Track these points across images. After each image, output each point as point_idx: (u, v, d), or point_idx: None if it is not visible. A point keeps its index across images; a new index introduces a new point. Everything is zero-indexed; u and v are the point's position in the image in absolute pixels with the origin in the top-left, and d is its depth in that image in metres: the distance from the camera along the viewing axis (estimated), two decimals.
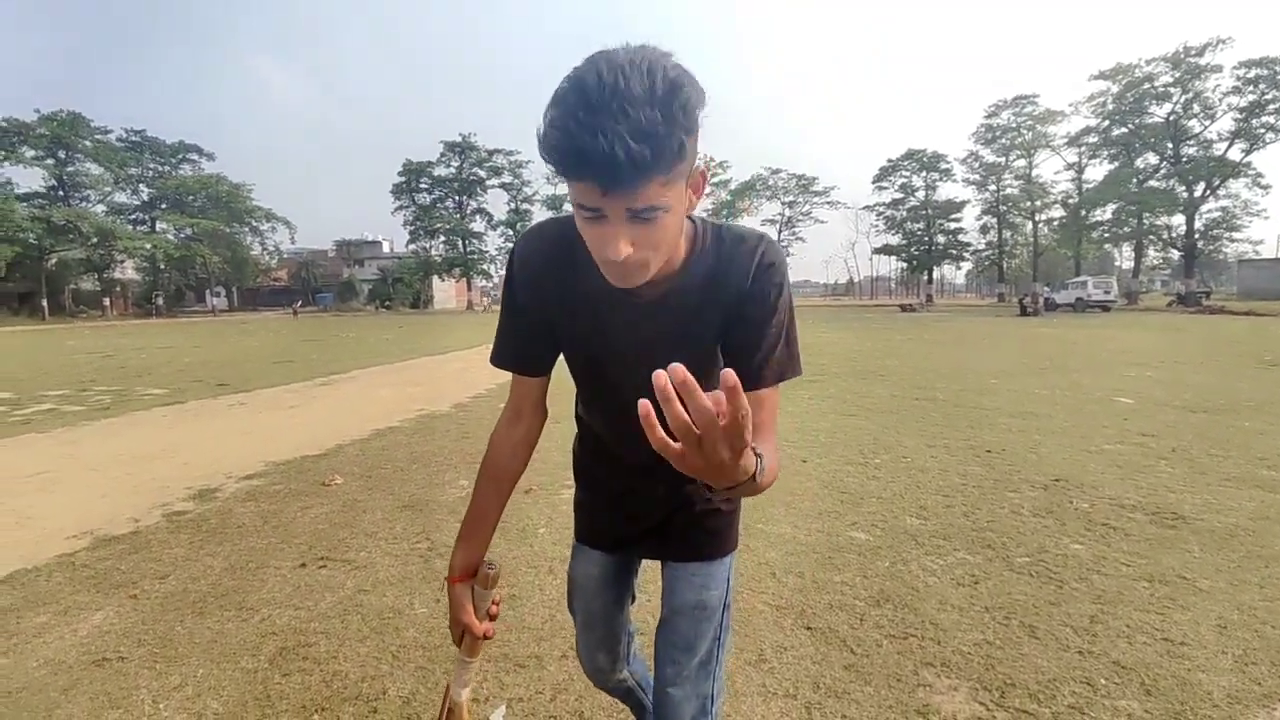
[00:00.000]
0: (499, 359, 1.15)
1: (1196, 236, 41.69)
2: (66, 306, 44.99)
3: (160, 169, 54.55)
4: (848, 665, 2.11)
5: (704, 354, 1.01)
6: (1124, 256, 62.85)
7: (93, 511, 3.80)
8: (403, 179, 60.10)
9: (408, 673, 2.11)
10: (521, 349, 1.12)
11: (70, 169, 46.40)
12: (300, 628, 2.41)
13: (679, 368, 0.50)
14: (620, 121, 0.67)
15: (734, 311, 0.96)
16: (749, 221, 60.80)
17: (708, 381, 0.87)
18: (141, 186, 53.13)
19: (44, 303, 40.84)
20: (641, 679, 1.46)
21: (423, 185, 60.42)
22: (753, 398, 0.92)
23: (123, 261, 50.78)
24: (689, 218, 0.95)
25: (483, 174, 60.42)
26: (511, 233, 61.14)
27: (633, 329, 0.99)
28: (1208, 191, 40.90)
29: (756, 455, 0.68)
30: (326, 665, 2.16)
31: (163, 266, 51.69)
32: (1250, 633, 2.24)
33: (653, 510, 1.19)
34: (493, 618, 1.15)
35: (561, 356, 1.14)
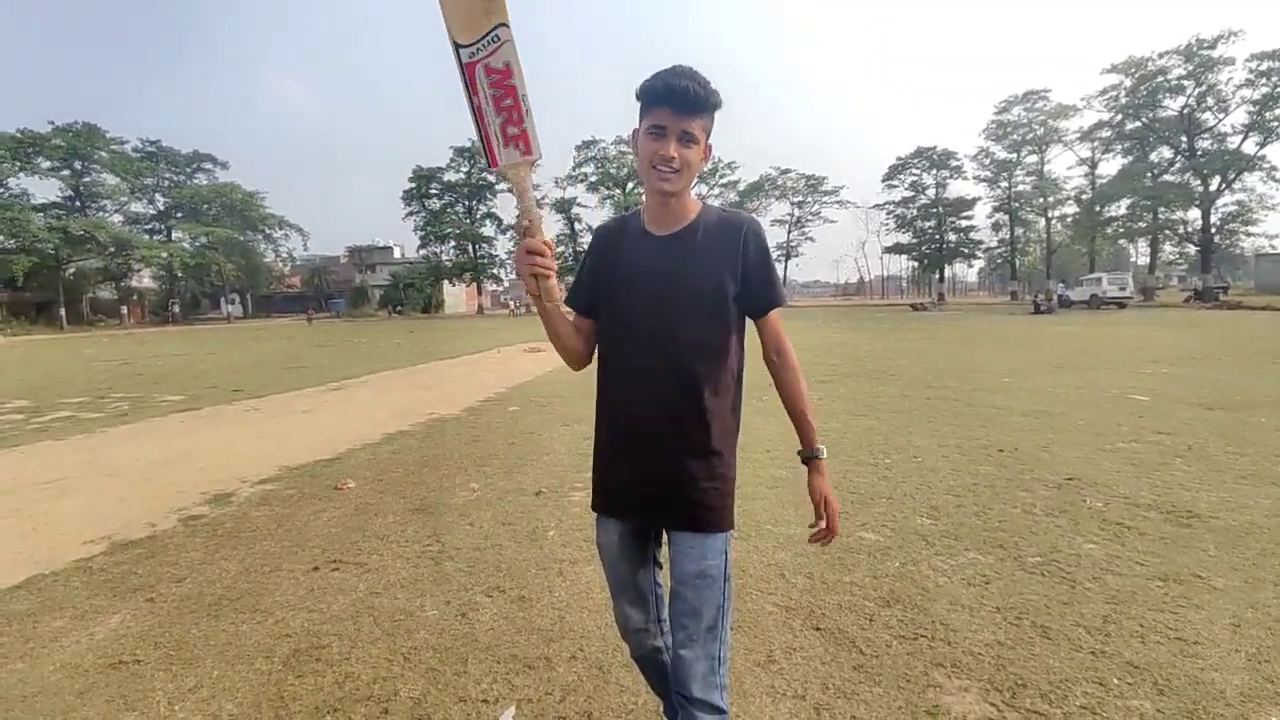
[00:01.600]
0: (568, 299, 1.50)
1: (1213, 231, 41.07)
2: (84, 315, 45.68)
3: (175, 179, 55.25)
4: (857, 666, 2.11)
5: (710, 290, 1.35)
6: (1139, 252, 62.10)
7: (110, 517, 3.87)
8: (413, 185, 60.48)
9: (419, 674, 2.13)
10: (580, 295, 1.50)
11: (87, 179, 47.09)
12: (313, 630, 2.43)
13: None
14: (692, 80, 1.27)
15: (738, 266, 1.36)
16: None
17: (719, 314, 1.36)
18: (157, 196, 53.86)
19: (62, 311, 41.44)
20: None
21: (433, 191, 60.80)
22: (770, 318, 1.41)
23: (140, 270, 51.48)
24: (697, 196, 1.47)
25: (492, 179, 60.66)
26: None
27: (652, 268, 1.38)
28: (1223, 185, 40.28)
29: (823, 460, 1.48)
30: (339, 667, 2.18)
31: (179, 275, 52.34)
32: (1264, 631, 2.21)
33: (656, 463, 1.36)
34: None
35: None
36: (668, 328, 1.34)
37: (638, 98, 1.32)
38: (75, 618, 2.61)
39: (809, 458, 1.45)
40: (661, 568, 1.51)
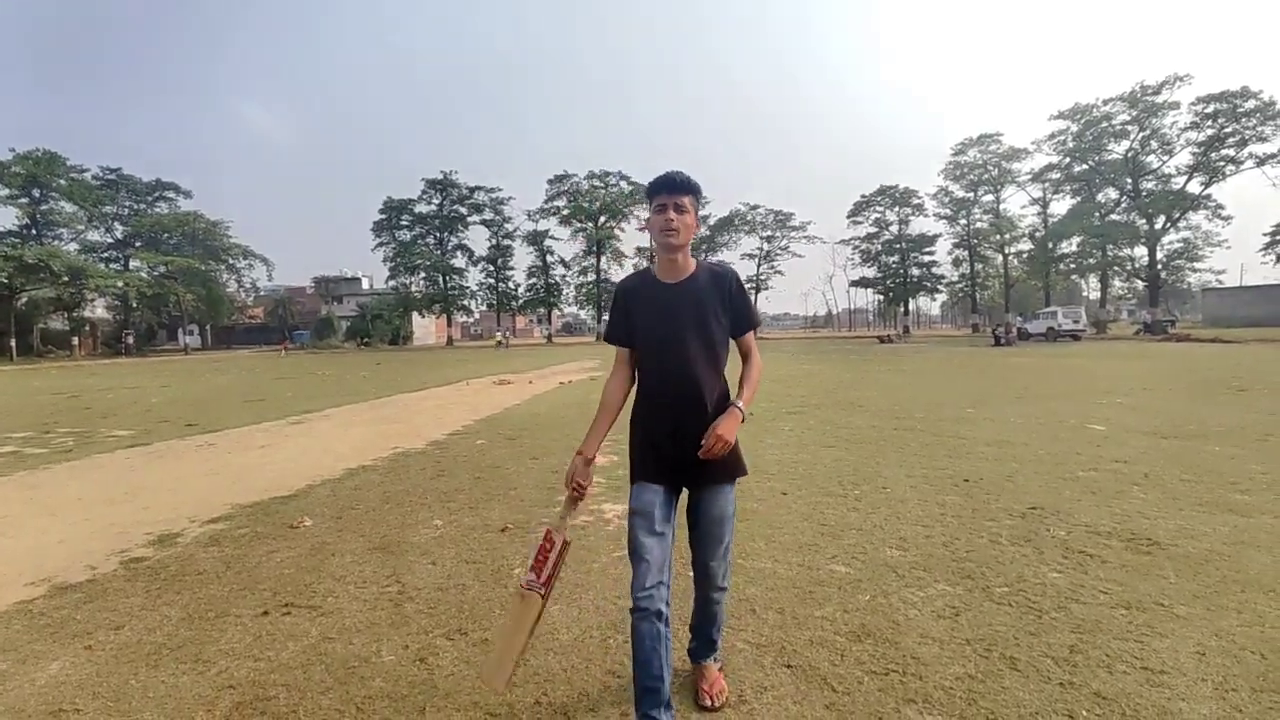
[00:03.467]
0: (608, 336, 2.14)
1: (1159, 267, 43.01)
2: (34, 346, 43.87)
3: (136, 207, 54.04)
4: (829, 704, 2.06)
5: (710, 320, 1.98)
6: (1091, 287, 64.59)
7: (50, 558, 3.65)
8: (384, 216, 60.17)
9: None
10: (622, 333, 2.08)
11: (44, 207, 45.77)
12: (259, 680, 2.29)
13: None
14: (677, 173, 1.95)
15: (726, 303, 2.00)
16: (729, 254, 61.78)
17: (716, 336, 1.98)
18: (116, 224, 52.53)
19: (12, 343, 39.75)
20: (668, 648, 1.86)
21: (403, 222, 60.54)
22: (747, 335, 2.06)
23: (93, 300, 49.81)
24: (693, 255, 2.05)
25: (464, 211, 60.74)
26: (493, 268, 61.31)
27: (670, 307, 1.99)
28: (1168, 224, 42.35)
29: (741, 411, 1.93)
30: (286, 719, 2.05)
31: (135, 305, 50.81)
32: (1229, 659, 2.23)
33: (693, 437, 1.90)
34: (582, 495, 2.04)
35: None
36: (687, 350, 1.95)
37: (646, 194, 2.00)
38: (17, 661, 2.47)
39: (730, 403, 1.96)
40: (673, 528, 1.98)
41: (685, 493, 2.04)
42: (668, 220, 1.91)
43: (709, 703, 2.05)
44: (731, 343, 2.05)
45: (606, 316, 2.24)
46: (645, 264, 2.07)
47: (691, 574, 2.15)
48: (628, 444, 2.08)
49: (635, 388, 2.07)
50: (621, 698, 2.13)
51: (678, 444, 1.94)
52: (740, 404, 1.94)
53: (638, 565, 1.88)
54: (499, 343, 48.74)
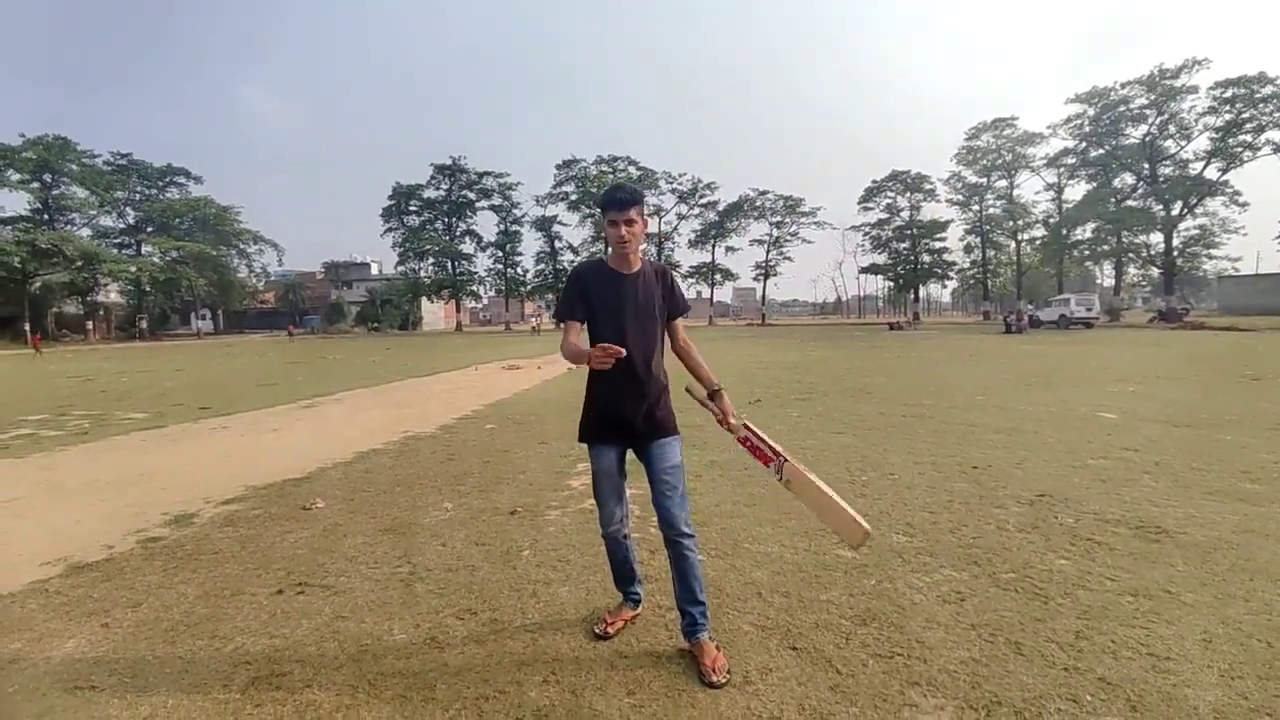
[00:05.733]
0: (559, 312, 2.43)
1: (1175, 254, 42.41)
2: (49, 330, 44.38)
3: (147, 192, 54.26)
4: (833, 686, 2.08)
5: (654, 306, 2.37)
6: (1105, 274, 63.91)
7: (67, 538, 3.72)
8: (392, 202, 60.19)
9: (384, 701, 2.06)
10: (579, 311, 2.35)
11: (56, 192, 46.07)
12: (274, 656, 2.34)
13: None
14: (621, 190, 2.32)
15: (664, 290, 2.41)
16: (737, 240, 61.51)
17: (658, 320, 2.40)
18: (128, 209, 52.81)
19: (27, 327, 40.24)
20: (634, 552, 2.57)
21: (412, 208, 60.56)
22: (678, 322, 2.50)
23: (106, 285, 50.27)
24: (641, 253, 2.41)
25: (472, 196, 60.64)
26: (501, 254, 61.36)
27: (624, 295, 2.33)
28: (1185, 210, 41.68)
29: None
30: (300, 695, 2.10)
31: (147, 289, 51.21)
32: (1236, 646, 2.24)
33: (639, 405, 2.31)
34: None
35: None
36: (638, 328, 2.32)
37: (600, 208, 2.38)
38: (33, 640, 2.51)
39: (716, 390, 2.42)
40: (626, 477, 2.43)
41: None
42: (620, 235, 2.28)
43: (713, 678, 2.11)
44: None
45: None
46: (654, 250, 2.27)
47: (660, 535, 2.37)
48: (581, 412, 2.43)
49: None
50: (629, 677, 2.16)
51: (629, 410, 2.31)
52: (719, 385, 2.44)
53: (604, 508, 2.41)
54: (534, 328, 48.49)
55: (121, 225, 52.86)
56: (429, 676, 2.19)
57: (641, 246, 2.42)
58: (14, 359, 26.39)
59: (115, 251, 49.26)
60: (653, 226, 58.51)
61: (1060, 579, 2.82)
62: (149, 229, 52.68)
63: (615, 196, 2.28)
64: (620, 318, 2.31)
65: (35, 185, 44.52)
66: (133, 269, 47.35)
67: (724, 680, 2.11)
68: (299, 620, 2.63)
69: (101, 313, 51.81)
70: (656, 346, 2.39)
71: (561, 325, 2.37)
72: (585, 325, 2.37)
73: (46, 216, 45.82)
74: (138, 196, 53.54)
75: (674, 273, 2.50)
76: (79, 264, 43.51)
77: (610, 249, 2.39)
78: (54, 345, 38.77)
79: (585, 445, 2.43)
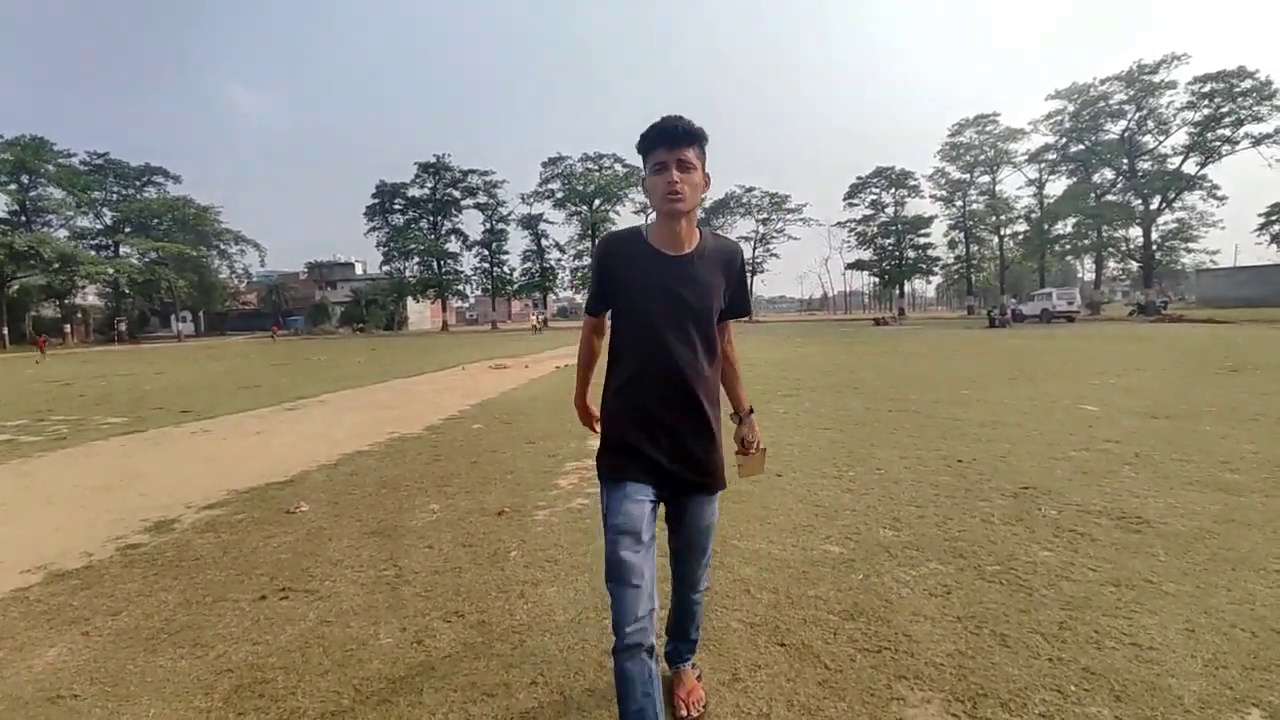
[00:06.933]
0: (588, 307, 1.85)
1: (1154, 248, 43.07)
2: (26, 334, 43.62)
3: (125, 192, 53.47)
4: (821, 681, 2.09)
5: (713, 306, 1.72)
6: (1086, 268, 64.61)
7: (46, 545, 3.65)
8: (376, 200, 59.71)
9: (370, 706, 2.03)
10: (597, 299, 1.78)
11: (34, 193, 45.27)
12: (258, 663, 2.31)
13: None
14: (678, 120, 1.61)
15: (730, 281, 1.76)
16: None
17: (715, 324, 1.74)
18: (105, 210, 51.97)
19: (4, 331, 39.49)
20: (657, 683, 1.57)
21: (396, 206, 60.11)
22: (728, 323, 1.86)
23: (84, 287, 49.47)
24: (698, 227, 1.74)
25: (457, 194, 60.31)
26: (487, 252, 61.03)
27: (668, 281, 1.66)
28: (1163, 204, 42.34)
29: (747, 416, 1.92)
30: (284, 702, 2.07)
31: (126, 291, 50.44)
32: (1219, 636, 2.26)
33: (674, 442, 1.68)
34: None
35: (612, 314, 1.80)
36: (681, 335, 1.66)
37: (639, 149, 1.65)
38: (14, 649, 2.47)
39: (748, 413, 1.94)
40: (654, 541, 1.69)
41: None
42: (670, 183, 1.57)
43: (685, 712, 1.90)
44: None
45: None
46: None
47: (670, 580, 2.00)
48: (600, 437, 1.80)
49: (609, 374, 1.77)
50: None
51: (666, 447, 1.67)
52: (752, 411, 1.94)
53: (624, 592, 1.55)
54: (535, 327, 48.14)
55: (99, 226, 52.09)
56: (415, 681, 2.17)
57: (699, 211, 1.76)
58: (13, 361, 25.87)
59: (92, 253, 48.48)
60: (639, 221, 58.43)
61: (1044, 570, 2.85)
62: (127, 229, 51.89)
63: (670, 126, 1.60)
64: (659, 326, 1.64)
65: (13, 187, 43.73)
66: (110, 270, 46.65)
67: (696, 715, 1.90)
68: (282, 626, 2.59)
69: (79, 316, 50.98)
70: (712, 365, 1.74)
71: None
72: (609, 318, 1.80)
73: (24, 218, 44.99)
74: (115, 197, 52.79)
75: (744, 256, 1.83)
76: (56, 266, 42.78)
77: (652, 213, 1.69)
78: (31, 349, 38.05)
79: (601, 480, 1.76)
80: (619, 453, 1.69)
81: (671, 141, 1.59)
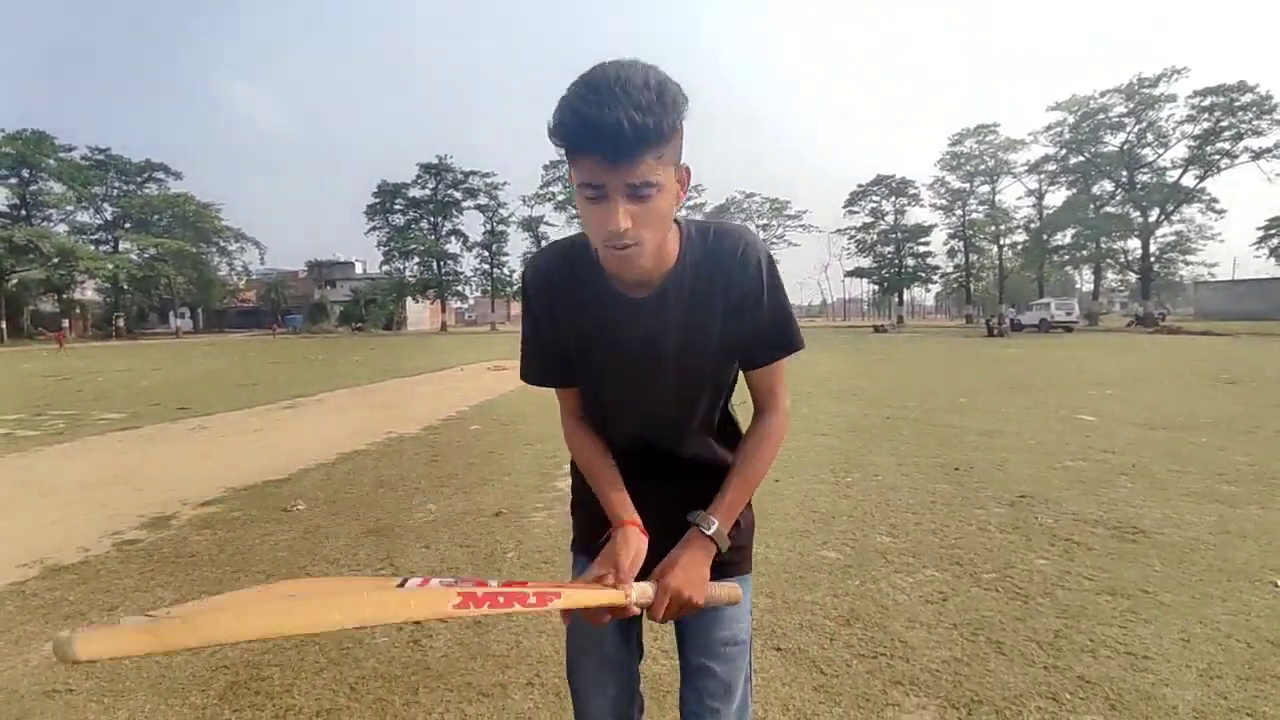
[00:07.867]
0: (527, 375, 1.15)
1: (1152, 260, 43.22)
2: (25, 328, 43.54)
3: (125, 188, 53.43)
4: (817, 686, 2.09)
5: (709, 343, 1.01)
6: (1084, 279, 64.87)
7: (43, 539, 3.64)
8: (377, 200, 59.72)
9: (366, 705, 2.03)
10: (547, 365, 1.11)
11: (34, 188, 45.27)
12: (253, 660, 2.31)
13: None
14: (623, 100, 0.77)
15: (730, 305, 0.99)
16: None
17: (712, 378, 1.06)
18: (105, 205, 51.96)
19: (3, 324, 39.41)
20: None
21: (397, 206, 60.12)
22: (764, 370, 1.06)
23: (83, 282, 49.43)
24: (675, 221, 0.98)
25: (458, 195, 60.36)
26: (487, 254, 61.12)
27: (637, 328, 1.00)
28: (1162, 216, 42.49)
29: (714, 542, 1.02)
30: (279, 700, 2.07)
31: (125, 287, 50.36)
32: (1214, 646, 2.27)
33: (668, 510, 1.07)
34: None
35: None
36: (667, 406, 1.07)
37: (551, 138, 0.83)
38: (11, 643, 2.47)
39: (697, 528, 1.04)
40: (644, 654, 1.25)
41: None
42: (615, 230, 0.83)
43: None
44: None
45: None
46: None
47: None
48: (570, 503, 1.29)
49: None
50: None
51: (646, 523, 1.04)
52: (712, 528, 1.02)
53: (585, 700, 1.18)
54: (444, 327, 48.24)
55: (99, 221, 52.09)
56: (411, 680, 2.17)
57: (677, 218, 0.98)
58: (11, 356, 25.82)
59: (92, 248, 48.40)
60: None
61: (1040, 579, 2.85)
62: (127, 225, 51.88)
63: (597, 123, 0.77)
64: (628, 391, 1.07)
65: (13, 181, 43.73)
66: (110, 266, 46.53)
67: None
68: None
69: (78, 311, 50.90)
70: (708, 431, 1.13)
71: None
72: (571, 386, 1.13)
73: (24, 212, 44.98)
74: (115, 192, 52.72)
75: (768, 256, 1.02)
76: (55, 260, 42.71)
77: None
78: (29, 344, 37.99)
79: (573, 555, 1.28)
80: (587, 530, 1.18)
81: (613, 150, 0.79)
